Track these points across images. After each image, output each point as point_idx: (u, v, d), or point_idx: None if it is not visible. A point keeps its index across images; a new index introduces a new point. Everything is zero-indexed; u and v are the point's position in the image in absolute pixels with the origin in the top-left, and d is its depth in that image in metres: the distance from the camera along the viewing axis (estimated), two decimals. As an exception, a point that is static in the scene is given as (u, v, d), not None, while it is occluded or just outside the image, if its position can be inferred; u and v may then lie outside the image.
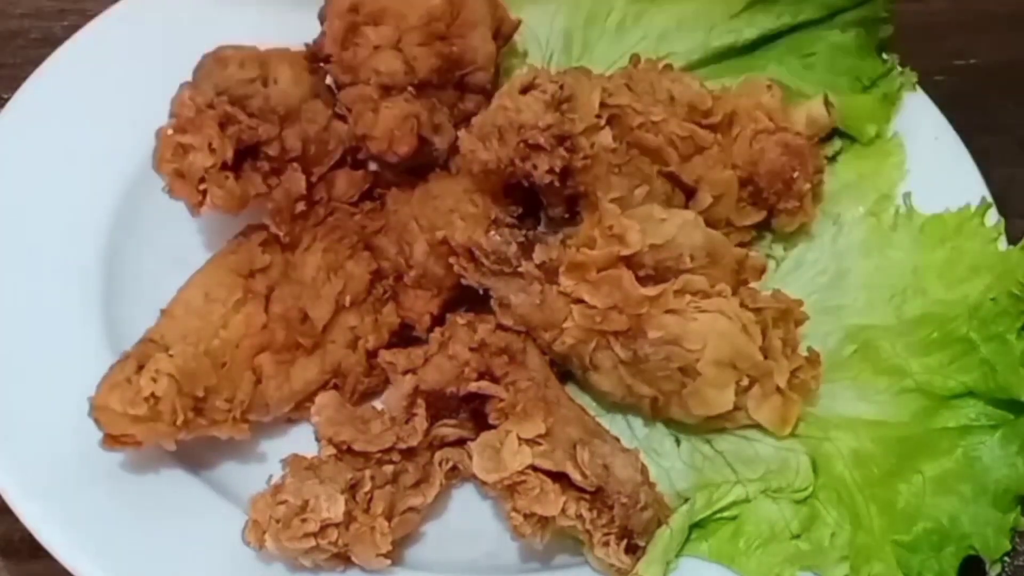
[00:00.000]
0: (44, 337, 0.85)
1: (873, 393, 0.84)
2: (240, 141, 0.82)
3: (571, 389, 0.86)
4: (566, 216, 0.85)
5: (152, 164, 0.82)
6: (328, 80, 0.91)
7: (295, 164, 0.85)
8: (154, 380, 0.76)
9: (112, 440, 0.76)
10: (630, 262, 0.78)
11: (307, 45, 0.90)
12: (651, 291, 0.77)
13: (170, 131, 0.81)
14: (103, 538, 0.77)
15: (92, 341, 0.85)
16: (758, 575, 0.78)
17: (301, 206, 0.85)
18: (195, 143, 0.80)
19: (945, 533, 0.78)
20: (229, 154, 0.81)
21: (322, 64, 0.90)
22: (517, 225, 0.84)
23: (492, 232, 0.81)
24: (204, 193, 0.81)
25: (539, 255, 0.80)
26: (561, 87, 0.79)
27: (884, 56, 1.00)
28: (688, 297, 0.78)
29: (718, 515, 0.80)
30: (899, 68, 0.99)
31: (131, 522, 0.78)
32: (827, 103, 0.92)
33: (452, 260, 0.82)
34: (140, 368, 0.77)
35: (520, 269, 0.80)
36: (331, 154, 0.88)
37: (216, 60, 0.84)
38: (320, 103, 0.87)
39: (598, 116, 0.81)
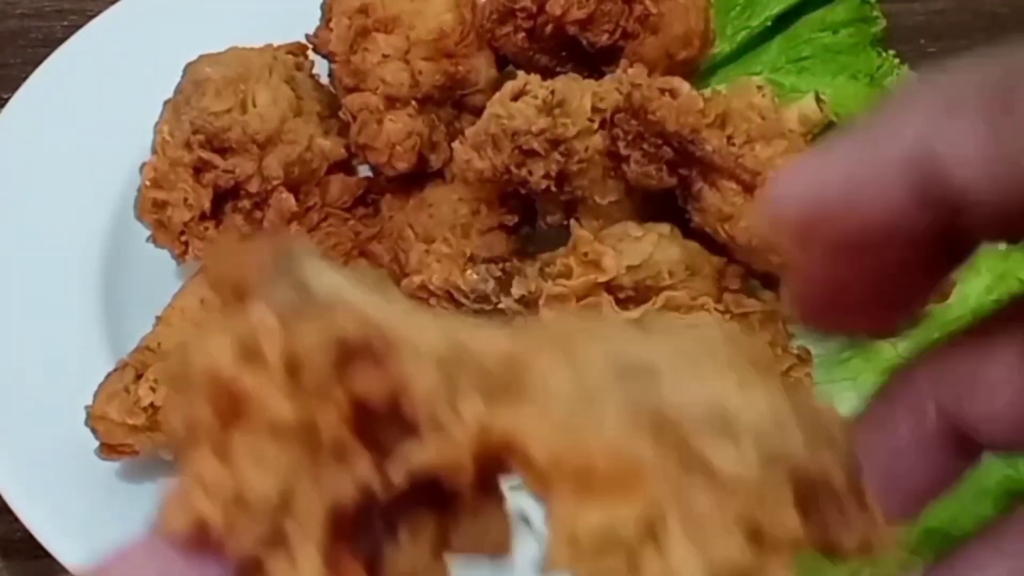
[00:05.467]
0: (45, 336, 0.85)
1: (874, 393, 0.84)
2: (217, 187, 0.82)
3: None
4: (564, 223, 0.85)
5: (134, 213, 0.82)
6: (315, 68, 0.92)
7: (281, 188, 0.85)
8: (152, 390, 0.76)
9: (109, 449, 0.76)
10: (609, 287, 0.77)
11: (307, 36, 0.90)
12: (633, 314, 0.77)
13: (147, 182, 0.81)
14: (103, 538, 0.76)
15: (93, 340, 0.86)
16: (757, 574, 0.78)
17: (295, 227, 0.85)
18: (170, 199, 0.80)
19: (945, 533, 0.78)
20: (207, 204, 0.81)
21: (324, 58, 0.90)
22: (493, 260, 0.83)
23: (468, 271, 0.80)
24: (186, 243, 0.81)
25: (517, 289, 0.79)
26: (552, 92, 0.79)
27: (882, 53, 1.00)
28: (670, 314, 0.78)
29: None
30: (898, 68, 0.99)
31: (132, 522, 0.77)
32: (818, 100, 0.92)
33: (433, 302, 0.81)
34: (138, 377, 0.77)
35: (500, 305, 0.80)
36: (315, 172, 0.87)
37: (194, 85, 0.84)
38: (300, 121, 0.87)
39: (590, 120, 0.80)
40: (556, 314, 0.33)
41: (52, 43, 1.00)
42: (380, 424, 0.31)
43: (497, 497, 0.33)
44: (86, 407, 0.77)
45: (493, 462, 0.31)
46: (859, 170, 0.34)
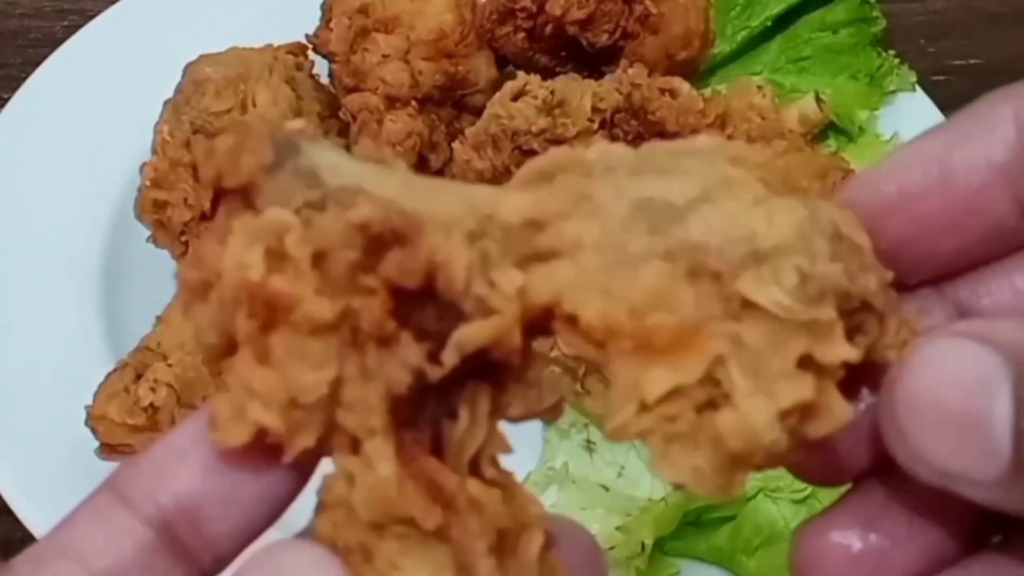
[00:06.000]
0: (45, 336, 0.85)
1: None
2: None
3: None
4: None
5: (134, 213, 0.82)
6: (315, 68, 0.92)
7: None
8: (153, 390, 0.76)
9: (109, 449, 0.76)
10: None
11: (307, 36, 0.90)
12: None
13: (148, 182, 0.81)
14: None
15: (93, 340, 0.85)
16: (758, 575, 0.78)
17: None
18: (171, 199, 0.81)
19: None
20: (207, 204, 0.81)
21: (324, 58, 0.90)
22: None
23: None
24: (186, 243, 0.81)
25: None
26: (552, 92, 0.79)
27: (882, 53, 1.00)
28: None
29: (716, 514, 0.80)
30: (898, 68, 0.99)
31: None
32: (818, 100, 0.92)
33: None
34: (138, 377, 0.77)
35: None
36: None
37: (194, 85, 0.84)
38: (299, 122, 0.87)
39: (590, 120, 0.81)
40: (563, 150, 0.32)
41: (52, 43, 1.00)
42: (415, 305, 0.31)
43: (538, 361, 0.32)
44: (86, 407, 0.77)
45: (537, 327, 0.31)
46: (955, 153, 0.35)
